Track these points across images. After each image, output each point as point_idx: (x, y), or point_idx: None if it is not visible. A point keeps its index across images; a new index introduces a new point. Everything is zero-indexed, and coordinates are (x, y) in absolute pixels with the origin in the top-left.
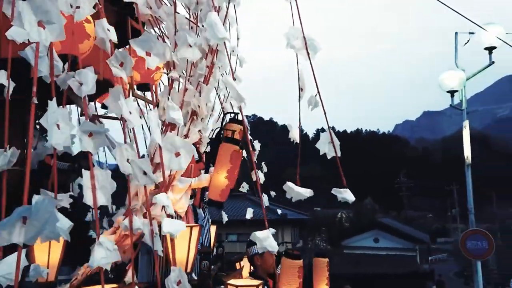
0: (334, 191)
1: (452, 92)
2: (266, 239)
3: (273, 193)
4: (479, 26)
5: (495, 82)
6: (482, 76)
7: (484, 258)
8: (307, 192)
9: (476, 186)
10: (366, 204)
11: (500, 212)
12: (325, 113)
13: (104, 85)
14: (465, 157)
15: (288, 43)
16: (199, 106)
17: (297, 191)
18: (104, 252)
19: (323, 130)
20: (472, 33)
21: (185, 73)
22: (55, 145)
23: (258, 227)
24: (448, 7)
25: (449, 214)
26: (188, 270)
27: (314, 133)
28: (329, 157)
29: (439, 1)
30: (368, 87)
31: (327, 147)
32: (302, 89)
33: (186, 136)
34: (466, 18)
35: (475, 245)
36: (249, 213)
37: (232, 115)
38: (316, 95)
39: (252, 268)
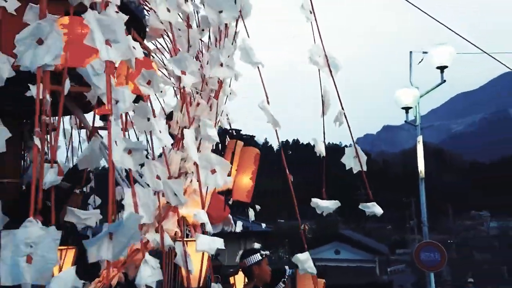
0: (362, 206)
1: (406, 109)
2: (306, 261)
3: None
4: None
5: (450, 99)
6: (438, 93)
7: (437, 269)
8: (333, 204)
9: (431, 199)
10: (328, 216)
11: (455, 224)
12: (349, 128)
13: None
14: (419, 171)
15: (311, 59)
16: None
17: (325, 205)
18: (150, 270)
19: (287, 142)
20: (425, 52)
21: (197, 88)
22: (115, 161)
23: (242, 239)
24: (423, 10)
25: (407, 226)
26: (201, 284)
27: (278, 146)
28: (354, 172)
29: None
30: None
31: (352, 162)
32: (324, 104)
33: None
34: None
35: (428, 256)
36: (239, 227)
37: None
38: (341, 113)
39: (246, 279)
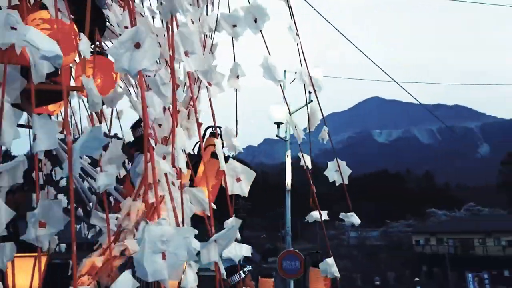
0: (342, 215)
1: (278, 124)
2: (333, 266)
3: None
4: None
5: (329, 114)
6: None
7: (297, 276)
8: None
9: (303, 209)
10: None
11: (322, 233)
12: (331, 142)
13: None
14: (286, 184)
15: (300, 78)
16: (188, 128)
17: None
18: (194, 275)
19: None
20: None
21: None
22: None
23: None
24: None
25: (279, 235)
26: None
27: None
28: (337, 184)
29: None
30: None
31: (335, 175)
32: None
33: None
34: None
35: (289, 265)
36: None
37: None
38: (325, 129)
39: None
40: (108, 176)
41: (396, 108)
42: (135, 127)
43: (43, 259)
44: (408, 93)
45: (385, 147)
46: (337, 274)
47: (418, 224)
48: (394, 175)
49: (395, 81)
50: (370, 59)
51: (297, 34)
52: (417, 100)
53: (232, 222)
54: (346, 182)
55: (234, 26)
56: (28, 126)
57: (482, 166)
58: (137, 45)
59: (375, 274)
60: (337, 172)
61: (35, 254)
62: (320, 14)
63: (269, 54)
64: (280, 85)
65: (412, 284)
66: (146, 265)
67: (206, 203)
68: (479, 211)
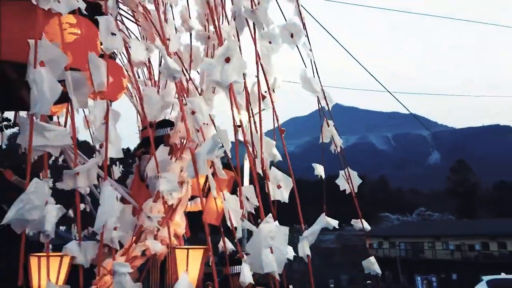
0: (353, 222)
1: (238, 127)
2: (374, 264)
3: None
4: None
5: (285, 122)
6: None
7: None
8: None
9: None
10: None
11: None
12: (342, 152)
13: None
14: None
15: (310, 90)
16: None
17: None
18: (249, 270)
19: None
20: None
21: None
22: None
23: None
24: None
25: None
26: None
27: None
28: (347, 193)
29: None
30: None
31: (346, 184)
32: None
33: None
34: None
35: (237, 268)
36: None
37: None
38: (339, 141)
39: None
40: (170, 182)
41: (354, 115)
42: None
43: (68, 259)
44: (401, 103)
45: (345, 152)
46: (379, 271)
47: (372, 228)
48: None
49: (389, 92)
50: (365, 69)
51: (310, 50)
52: (408, 109)
53: (320, 220)
54: (355, 191)
55: (270, 42)
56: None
57: (433, 172)
58: (227, 60)
59: (329, 277)
60: (347, 181)
61: (61, 254)
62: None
63: (306, 67)
64: (327, 101)
65: (364, 286)
66: (263, 258)
67: (255, 200)
68: (429, 216)
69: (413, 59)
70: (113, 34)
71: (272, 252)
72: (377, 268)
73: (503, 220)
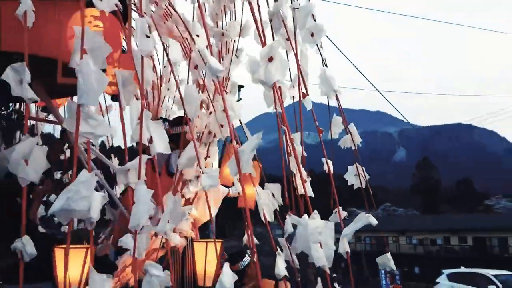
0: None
1: None
2: (390, 261)
3: None
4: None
5: (256, 117)
6: (251, 109)
7: None
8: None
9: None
10: None
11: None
12: (355, 149)
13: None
14: None
15: (328, 90)
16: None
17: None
18: (283, 263)
19: None
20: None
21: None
22: None
23: None
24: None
25: (206, 233)
26: (207, 284)
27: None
28: (355, 187)
29: None
30: None
31: (354, 179)
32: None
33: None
34: None
35: None
36: None
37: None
38: (348, 137)
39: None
40: (212, 178)
41: (323, 111)
42: (172, 125)
43: (92, 251)
44: (391, 104)
45: (312, 148)
46: (394, 267)
47: (339, 222)
48: (319, 175)
49: (377, 90)
50: (358, 69)
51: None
52: (399, 111)
53: (360, 218)
54: (363, 186)
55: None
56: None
57: (399, 169)
58: (270, 59)
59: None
60: (356, 176)
61: (87, 246)
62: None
63: (327, 67)
64: (336, 95)
65: (330, 280)
66: (313, 253)
67: (279, 198)
68: (394, 211)
69: (380, 58)
70: (147, 36)
71: (321, 247)
72: (392, 265)
73: (464, 215)
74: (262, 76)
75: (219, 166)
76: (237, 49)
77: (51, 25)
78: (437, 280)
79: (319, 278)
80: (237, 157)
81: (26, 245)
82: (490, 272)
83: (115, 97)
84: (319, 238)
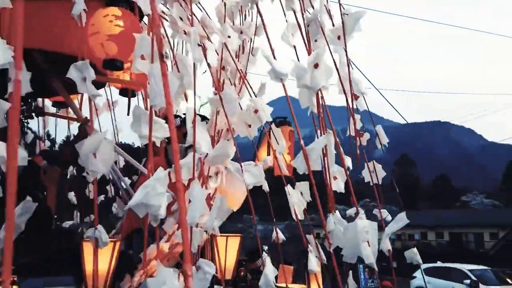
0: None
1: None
2: (416, 255)
3: None
4: None
5: None
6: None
7: None
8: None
9: None
10: None
11: (233, 228)
12: (373, 147)
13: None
14: None
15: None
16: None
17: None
18: (316, 260)
19: None
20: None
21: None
22: None
23: None
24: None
25: None
26: (226, 277)
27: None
28: (371, 184)
29: None
30: None
31: (369, 175)
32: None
33: None
34: None
35: None
36: None
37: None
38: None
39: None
40: (254, 176)
41: (303, 108)
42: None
43: (118, 245)
44: (389, 103)
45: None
46: (421, 261)
47: (319, 218)
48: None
49: (376, 88)
50: (360, 71)
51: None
52: (393, 109)
53: (400, 217)
54: (380, 183)
55: (315, 40)
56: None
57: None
58: (316, 66)
59: (276, 265)
60: (373, 173)
61: (114, 239)
62: None
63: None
64: (363, 96)
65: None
66: (362, 251)
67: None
68: (373, 207)
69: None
70: (199, 45)
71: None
72: (419, 259)
73: (442, 211)
74: (308, 81)
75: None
76: (252, 47)
77: (73, 23)
78: (414, 275)
79: (350, 272)
80: (305, 153)
81: (101, 233)
82: (465, 267)
83: (123, 92)
84: (367, 237)
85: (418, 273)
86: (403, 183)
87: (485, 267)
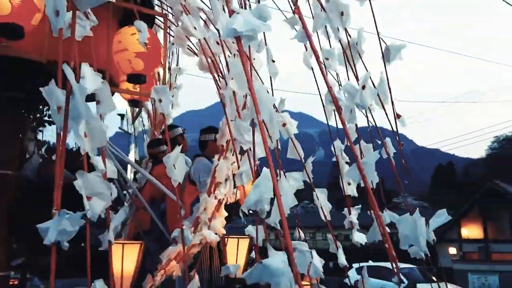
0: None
1: (121, 116)
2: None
3: None
4: None
5: (182, 114)
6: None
7: None
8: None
9: None
10: None
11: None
12: (385, 146)
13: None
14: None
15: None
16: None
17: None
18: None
19: None
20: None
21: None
22: None
23: None
24: None
25: None
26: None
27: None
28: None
29: None
30: None
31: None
32: None
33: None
34: None
35: None
36: None
37: None
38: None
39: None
40: (297, 180)
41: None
42: (203, 132)
43: (142, 246)
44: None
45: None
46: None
47: (260, 220)
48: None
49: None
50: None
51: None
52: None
53: (440, 214)
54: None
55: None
56: None
57: (318, 168)
58: (363, 87)
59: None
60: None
61: (140, 242)
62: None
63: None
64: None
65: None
66: (421, 245)
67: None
68: (312, 208)
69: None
70: (273, 61)
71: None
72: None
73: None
74: (358, 100)
75: None
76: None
77: (102, 40)
78: (347, 273)
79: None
80: (359, 167)
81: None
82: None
83: (131, 102)
84: (424, 232)
85: (351, 272)
86: (340, 185)
87: (412, 266)
